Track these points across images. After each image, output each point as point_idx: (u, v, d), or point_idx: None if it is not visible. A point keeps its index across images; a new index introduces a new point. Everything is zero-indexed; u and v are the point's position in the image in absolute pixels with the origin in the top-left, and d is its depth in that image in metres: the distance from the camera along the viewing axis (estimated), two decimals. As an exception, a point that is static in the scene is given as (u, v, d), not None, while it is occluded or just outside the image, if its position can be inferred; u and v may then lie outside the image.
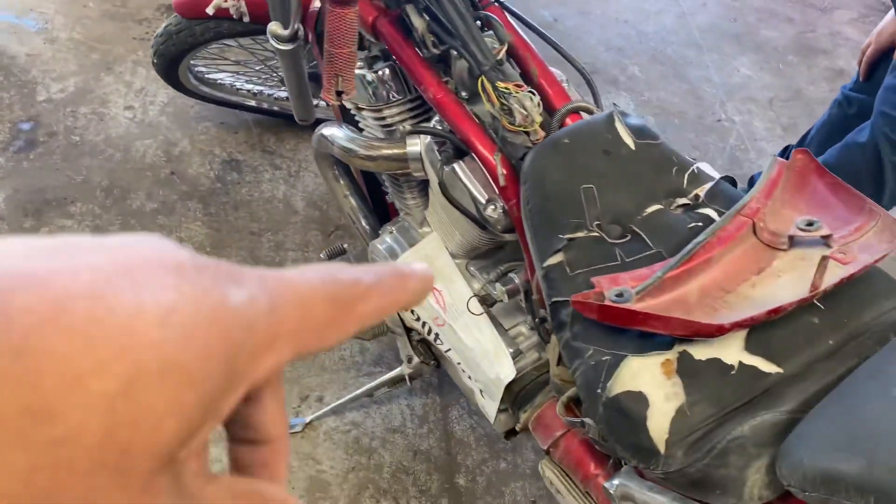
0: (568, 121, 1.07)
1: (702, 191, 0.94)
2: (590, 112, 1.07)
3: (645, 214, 0.90)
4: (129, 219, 1.88)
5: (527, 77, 1.13)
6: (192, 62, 1.90)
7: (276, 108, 2.16)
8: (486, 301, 1.17)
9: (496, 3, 1.17)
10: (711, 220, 0.90)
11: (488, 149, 1.05)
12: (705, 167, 0.99)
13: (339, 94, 1.02)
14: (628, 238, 0.89)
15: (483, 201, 1.08)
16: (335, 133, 1.27)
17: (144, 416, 0.17)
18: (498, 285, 1.13)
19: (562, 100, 1.09)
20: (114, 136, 2.13)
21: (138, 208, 1.92)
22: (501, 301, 1.15)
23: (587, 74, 1.12)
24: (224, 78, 2.07)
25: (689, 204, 0.93)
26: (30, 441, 0.15)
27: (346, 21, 0.95)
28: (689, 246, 0.82)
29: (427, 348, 1.45)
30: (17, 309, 0.15)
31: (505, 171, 1.04)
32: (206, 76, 2.04)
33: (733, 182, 0.98)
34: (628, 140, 0.95)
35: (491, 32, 1.11)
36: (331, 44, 0.98)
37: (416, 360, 1.45)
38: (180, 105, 2.23)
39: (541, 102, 1.03)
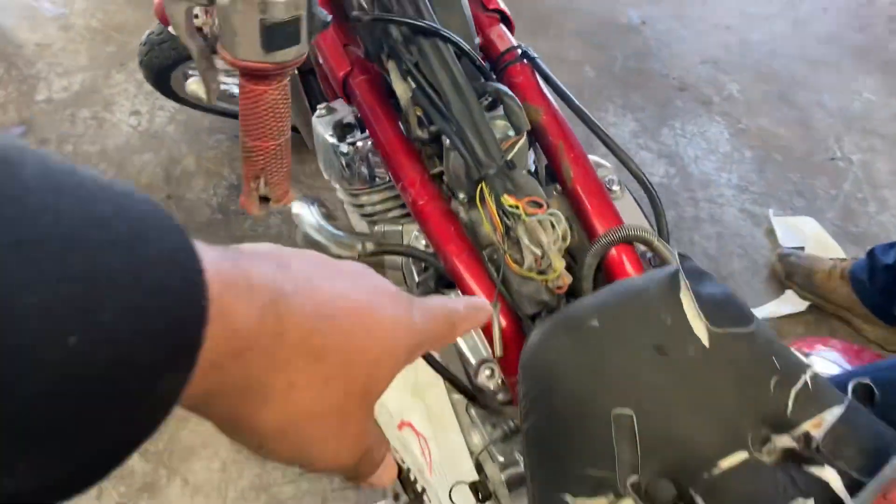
0: (612, 255, 0.70)
1: (818, 427, 0.55)
2: (648, 244, 0.70)
3: (719, 470, 0.53)
4: (107, 254, 1.61)
5: (556, 176, 0.76)
6: (189, 71, 1.60)
7: (296, 125, 1.84)
8: (481, 493, 0.82)
9: (526, 60, 0.80)
10: (831, 495, 0.52)
11: (484, 290, 0.70)
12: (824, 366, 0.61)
13: (264, 200, 0.68)
14: (684, 514, 0.52)
15: (474, 364, 0.73)
16: (305, 216, 0.94)
17: (378, 377, 0.33)
18: (496, 473, 0.79)
19: (605, 221, 0.72)
20: (111, 147, 1.86)
21: (121, 241, 1.64)
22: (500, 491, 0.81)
23: (650, 184, 0.74)
24: (232, 87, 1.76)
25: (794, 451, 0.55)
26: (342, 381, 0.31)
27: (264, 103, 0.61)
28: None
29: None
30: (350, 322, 0.32)
31: (504, 324, 0.69)
32: (212, 87, 1.73)
33: (871, 395, 0.60)
34: (699, 327, 0.57)
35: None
36: (247, 133, 0.64)
37: (403, 498, 1.12)
38: (193, 114, 1.94)
39: (567, 231, 0.66)
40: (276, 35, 0.56)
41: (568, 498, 0.53)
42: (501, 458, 0.84)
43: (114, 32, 2.21)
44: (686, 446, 0.54)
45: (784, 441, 0.56)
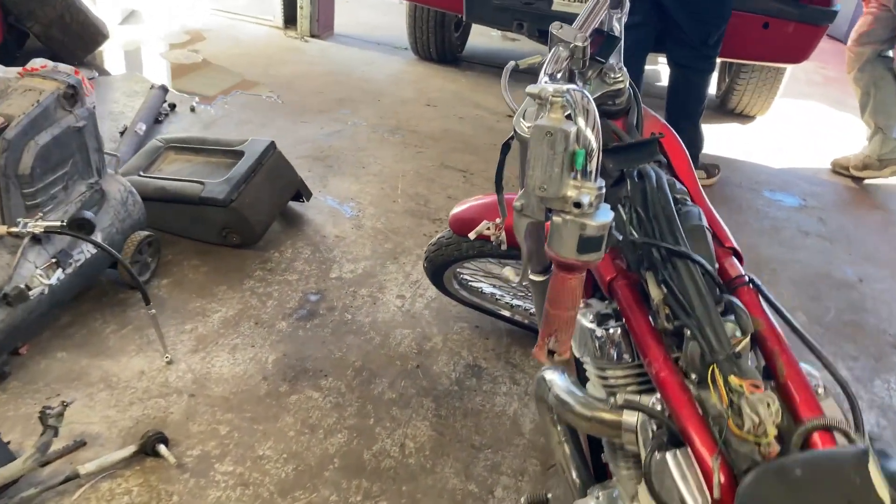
0: (816, 439, 0.90)
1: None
2: (846, 435, 0.89)
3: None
4: (366, 403, 1.98)
5: (772, 372, 0.98)
6: (458, 270, 2.02)
7: (528, 323, 2.18)
8: None
9: (750, 284, 1.06)
10: None
11: (708, 447, 0.92)
12: None
13: (551, 353, 0.98)
14: None
15: (694, 507, 0.92)
16: (555, 380, 1.22)
17: None
18: None
19: (810, 411, 0.92)
20: (380, 320, 2.30)
21: (378, 395, 2.01)
22: None
23: (849, 389, 0.94)
24: (485, 287, 2.16)
25: None
26: None
27: (568, 286, 0.93)
28: None
29: None
30: None
31: (723, 481, 0.89)
32: (469, 283, 2.14)
33: None
34: (883, 491, 0.75)
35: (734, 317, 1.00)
36: (550, 304, 0.95)
37: None
38: (444, 302, 2.36)
39: (780, 410, 0.88)
40: (587, 245, 0.88)
41: None
42: None
43: (391, 234, 2.78)
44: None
45: None
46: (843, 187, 3.76)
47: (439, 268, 1.95)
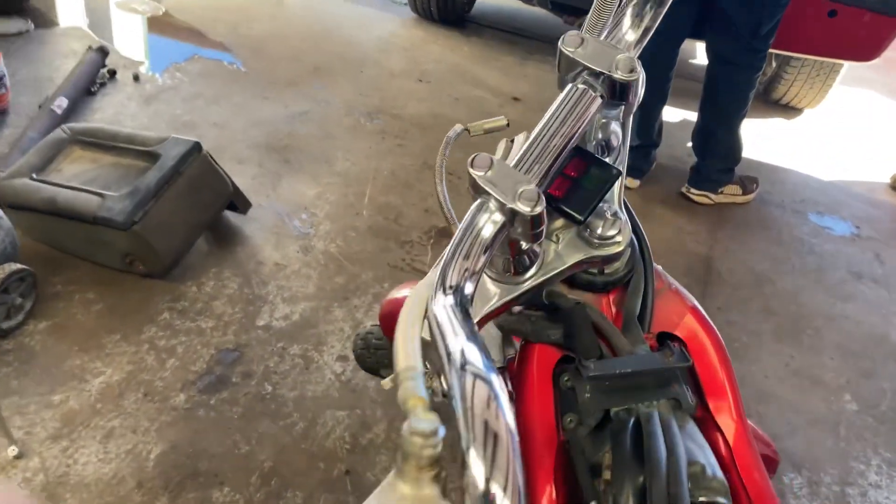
0: None
1: None
2: None
3: None
4: (267, 532, 1.49)
5: None
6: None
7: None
8: None
9: None
10: None
11: None
12: None
13: None
14: None
15: None
16: None
17: None
18: None
19: None
20: (309, 395, 1.79)
21: (285, 518, 1.52)
22: None
23: None
24: (442, 373, 1.64)
25: None
26: None
27: None
28: None
29: None
30: None
31: None
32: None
33: None
34: None
35: None
36: None
37: None
38: (396, 372, 1.85)
39: None
40: None
41: None
42: None
43: (347, 262, 2.24)
44: None
45: None
46: (905, 210, 3.16)
47: (370, 369, 1.44)
